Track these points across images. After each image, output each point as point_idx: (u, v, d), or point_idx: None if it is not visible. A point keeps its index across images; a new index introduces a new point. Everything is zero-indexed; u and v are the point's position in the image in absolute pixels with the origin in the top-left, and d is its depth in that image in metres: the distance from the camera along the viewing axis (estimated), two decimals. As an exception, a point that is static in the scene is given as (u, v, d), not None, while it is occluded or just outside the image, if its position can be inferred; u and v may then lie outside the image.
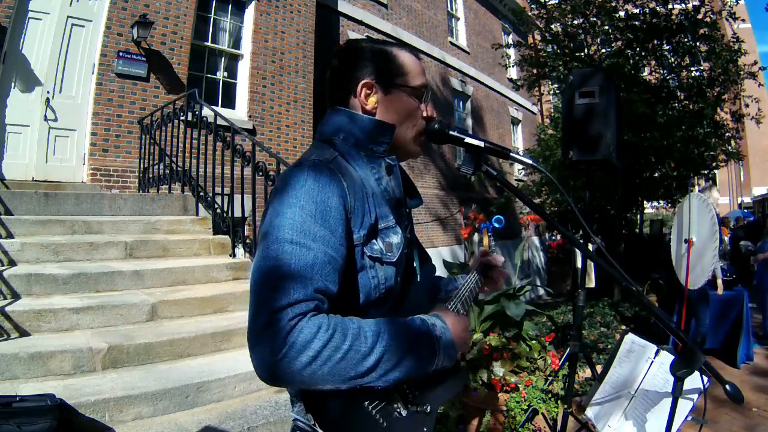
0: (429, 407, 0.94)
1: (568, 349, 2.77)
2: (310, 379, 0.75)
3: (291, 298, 0.76)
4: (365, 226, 0.90)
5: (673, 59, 7.49)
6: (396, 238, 0.96)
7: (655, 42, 7.22)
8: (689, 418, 1.35)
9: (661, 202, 9.49)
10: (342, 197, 0.86)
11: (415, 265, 1.11)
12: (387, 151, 1.00)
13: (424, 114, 1.04)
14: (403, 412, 0.88)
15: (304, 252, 0.80)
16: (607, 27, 7.35)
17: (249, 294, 0.82)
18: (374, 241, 0.92)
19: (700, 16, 7.04)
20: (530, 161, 1.08)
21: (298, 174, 0.86)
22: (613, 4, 7.29)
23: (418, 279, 1.10)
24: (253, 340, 0.76)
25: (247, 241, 4.28)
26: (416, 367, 0.84)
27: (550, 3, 7.97)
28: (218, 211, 4.54)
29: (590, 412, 1.75)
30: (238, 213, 4.32)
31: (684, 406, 1.30)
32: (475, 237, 4.13)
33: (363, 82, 0.98)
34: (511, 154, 1.02)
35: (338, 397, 0.81)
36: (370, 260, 0.92)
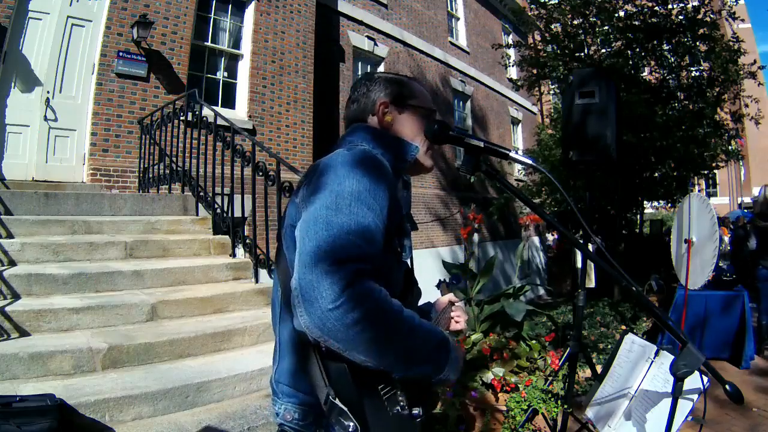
0: (421, 411, 0.97)
1: (568, 349, 2.77)
2: (355, 338, 0.78)
3: (352, 253, 0.81)
4: (395, 219, 0.97)
5: (672, 59, 7.48)
6: (408, 242, 1.05)
7: (655, 42, 7.22)
8: (689, 419, 1.35)
9: (661, 202, 9.48)
10: (388, 184, 0.93)
11: (413, 280, 1.17)
12: (406, 169, 1.12)
13: None
14: (404, 408, 0.91)
15: (361, 217, 0.85)
16: (606, 27, 7.34)
17: (302, 239, 0.85)
18: (396, 236, 0.99)
19: (699, 16, 7.03)
20: (530, 161, 1.09)
21: (352, 157, 0.94)
22: (613, 3, 7.28)
23: (414, 291, 1.16)
24: (308, 287, 0.79)
25: (247, 241, 4.28)
26: (431, 370, 0.90)
27: (549, 3, 7.97)
28: (218, 211, 4.54)
29: (590, 412, 1.75)
30: (238, 213, 4.32)
31: (684, 407, 1.30)
32: (475, 237, 4.13)
33: (381, 101, 1.12)
34: (511, 154, 1.04)
35: (359, 372, 0.85)
36: (393, 252, 0.99)
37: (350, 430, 0.83)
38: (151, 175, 5.27)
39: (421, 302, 1.25)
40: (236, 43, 6.95)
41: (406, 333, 0.84)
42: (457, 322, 1.25)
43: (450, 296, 1.31)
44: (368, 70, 9.37)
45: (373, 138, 1.07)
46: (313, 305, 0.78)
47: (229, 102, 6.85)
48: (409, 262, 1.11)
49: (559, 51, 7.98)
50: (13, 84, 4.97)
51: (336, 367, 0.86)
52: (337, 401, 0.84)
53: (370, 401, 0.86)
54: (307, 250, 0.82)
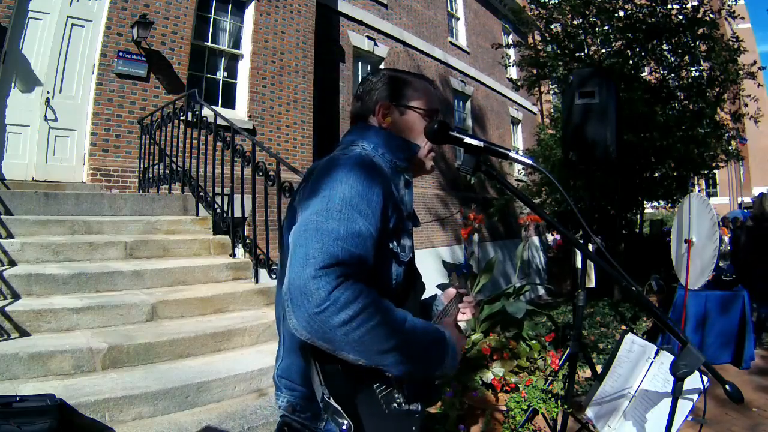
0: (420, 407, 0.98)
1: (568, 349, 2.77)
2: (342, 339, 0.80)
3: (339, 258, 0.82)
4: (392, 222, 0.98)
5: (672, 59, 7.48)
6: (408, 242, 1.05)
7: (655, 42, 7.22)
8: (689, 418, 1.35)
9: (661, 202, 9.48)
10: (383, 189, 0.94)
11: (415, 274, 1.16)
12: (407, 168, 1.12)
13: None
14: (402, 405, 0.93)
15: (351, 223, 0.87)
16: (606, 27, 7.34)
17: (293, 245, 0.86)
18: (394, 238, 1.00)
19: (699, 16, 7.03)
20: (529, 161, 1.09)
21: (347, 160, 0.95)
22: (613, 3, 7.28)
23: (417, 285, 1.15)
24: (296, 291, 0.81)
25: (247, 241, 4.28)
26: (426, 367, 0.91)
27: (549, 3, 7.97)
28: (218, 211, 4.54)
29: (590, 412, 1.75)
30: (238, 213, 4.32)
31: (684, 406, 1.30)
32: (475, 237, 4.13)
33: (381, 103, 1.12)
34: (510, 154, 1.04)
35: (353, 372, 0.86)
36: (390, 255, 0.99)
37: (344, 428, 0.85)
38: (151, 175, 5.27)
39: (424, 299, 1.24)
40: (236, 43, 6.95)
41: (396, 332, 0.84)
42: (463, 313, 1.26)
43: (459, 288, 1.31)
44: (368, 70, 9.37)
45: (374, 136, 1.09)
46: (300, 308, 0.80)
47: (229, 102, 6.85)
48: (411, 259, 1.10)
49: (559, 51, 7.98)
50: (13, 84, 4.97)
51: (330, 367, 0.87)
52: (331, 400, 0.86)
53: (365, 399, 0.88)
54: (296, 255, 0.84)
